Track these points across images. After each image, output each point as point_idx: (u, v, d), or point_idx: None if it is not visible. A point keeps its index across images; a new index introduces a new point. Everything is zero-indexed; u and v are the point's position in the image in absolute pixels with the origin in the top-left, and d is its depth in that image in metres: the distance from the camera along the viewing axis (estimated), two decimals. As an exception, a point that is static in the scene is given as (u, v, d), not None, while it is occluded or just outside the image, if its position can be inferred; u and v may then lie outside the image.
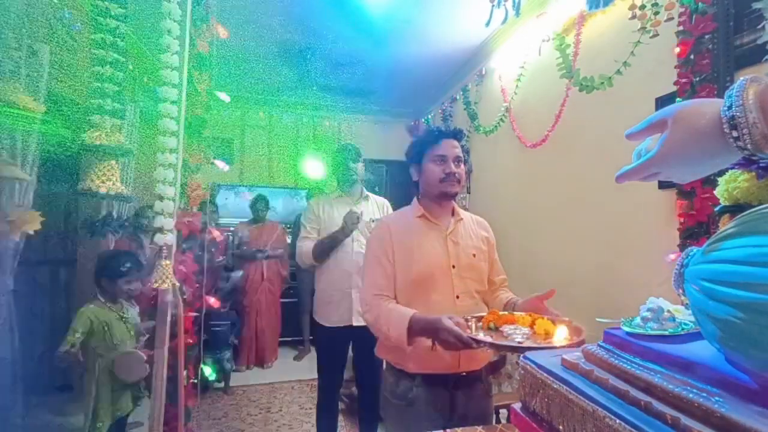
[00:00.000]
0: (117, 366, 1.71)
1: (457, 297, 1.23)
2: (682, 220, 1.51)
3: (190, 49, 1.48)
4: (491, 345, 0.89)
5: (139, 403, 1.91)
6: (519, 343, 0.88)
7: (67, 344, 1.69)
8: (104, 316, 1.79)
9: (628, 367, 0.48)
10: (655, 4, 1.63)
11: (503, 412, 2.02)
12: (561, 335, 0.90)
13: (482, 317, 1.06)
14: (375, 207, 2.16)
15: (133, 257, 2.00)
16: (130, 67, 3.16)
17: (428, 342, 1.09)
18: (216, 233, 1.69)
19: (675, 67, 1.54)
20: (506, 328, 0.99)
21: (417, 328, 1.08)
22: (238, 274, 3.48)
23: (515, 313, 1.08)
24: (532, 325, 0.99)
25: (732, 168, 0.86)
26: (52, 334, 2.98)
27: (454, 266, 1.25)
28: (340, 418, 2.41)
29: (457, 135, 1.31)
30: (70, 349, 1.68)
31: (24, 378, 1.88)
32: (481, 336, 0.94)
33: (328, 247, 1.96)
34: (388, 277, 1.25)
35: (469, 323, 1.01)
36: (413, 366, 1.21)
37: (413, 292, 1.22)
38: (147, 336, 1.91)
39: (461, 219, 1.35)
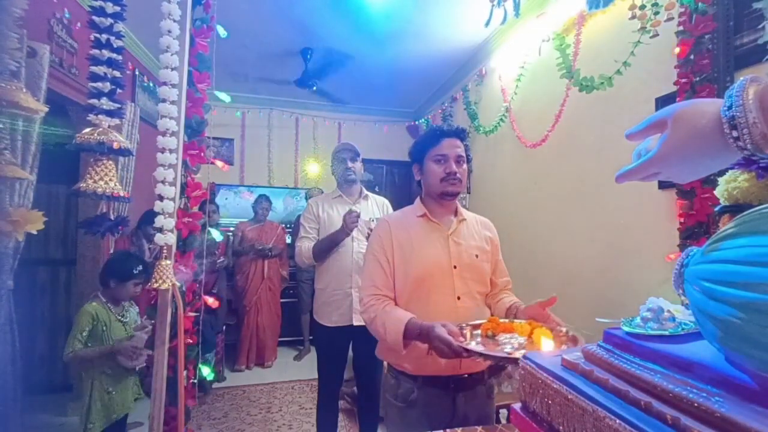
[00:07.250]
0: (118, 351, 1.72)
1: (458, 298, 1.22)
2: (682, 220, 1.51)
3: (190, 49, 1.47)
4: (481, 355, 0.88)
5: (138, 397, 1.91)
6: (509, 354, 0.87)
7: (76, 344, 1.69)
8: (104, 316, 1.79)
9: (628, 367, 0.48)
10: (655, 4, 1.63)
11: (503, 412, 2.02)
12: (552, 346, 0.88)
13: (479, 324, 1.05)
14: (375, 207, 2.16)
15: (143, 261, 2.01)
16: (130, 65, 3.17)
17: (424, 345, 1.08)
18: (216, 234, 1.69)
19: (675, 67, 1.54)
20: (502, 337, 0.97)
21: (413, 334, 1.08)
22: (219, 259, 3.33)
23: (515, 321, 1.07)
24: (530, 335, 0.97)
25: (732, 168, 0.86)
26: (52, 334, 2.99)
27: (455, 267, 1.24)
28: (340, 418, 2.41)
29: (459, 134, 1.29)
30: (77, 349, 1.68)
31: (24, 378, 1.88)
32: (472, 345, 0.93)
33: (327, 246, 1.96)
34: (387, 276, 1.24)
35: (464, 331, 0.99)
36: (413, 368, 1.21)
37: (413, 293, 1.21)
38: (148, 336, 1.91)
39: (464, 219, 1.33)
